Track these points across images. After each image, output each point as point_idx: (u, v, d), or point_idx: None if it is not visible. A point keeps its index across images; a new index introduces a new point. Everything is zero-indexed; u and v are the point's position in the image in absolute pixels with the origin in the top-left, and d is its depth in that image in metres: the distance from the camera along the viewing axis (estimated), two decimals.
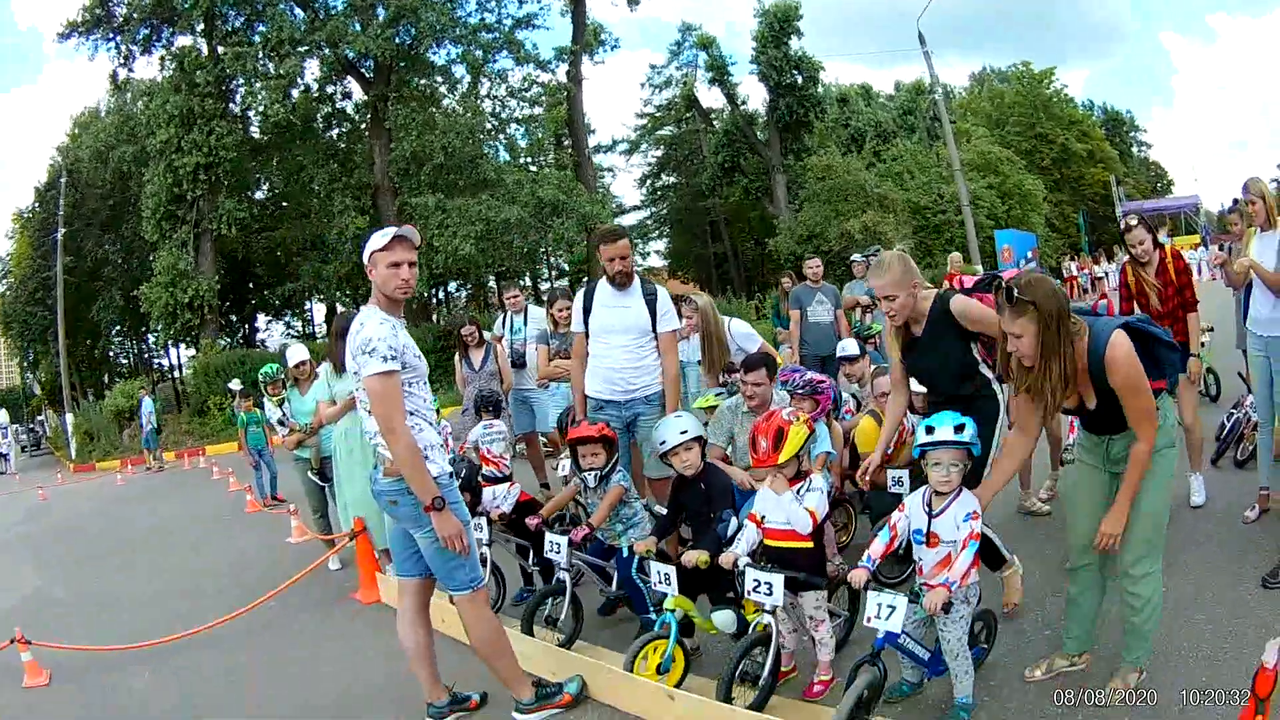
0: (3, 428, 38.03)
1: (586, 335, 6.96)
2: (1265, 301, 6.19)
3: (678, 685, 5.19)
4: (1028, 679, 4.89)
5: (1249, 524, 6.42)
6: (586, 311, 6.93)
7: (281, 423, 9.92)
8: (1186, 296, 6.79)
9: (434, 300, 48.11)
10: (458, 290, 52.22)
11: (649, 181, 56.25)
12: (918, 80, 52.48)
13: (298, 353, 9.75)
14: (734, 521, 5.60)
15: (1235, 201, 7.98)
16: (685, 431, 5.74)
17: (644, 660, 5.38)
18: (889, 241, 30.77)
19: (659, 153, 55.45)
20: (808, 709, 4.66)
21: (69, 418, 35.63)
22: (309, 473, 9.62)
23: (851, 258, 13.14)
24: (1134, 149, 70.92)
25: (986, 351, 5.39)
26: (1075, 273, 38.39)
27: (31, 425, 51.54)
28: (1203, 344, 7.67)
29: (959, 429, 4.48)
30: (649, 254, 56.84)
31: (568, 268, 50.86)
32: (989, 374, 5.39)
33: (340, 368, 7.92)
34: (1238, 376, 8.00)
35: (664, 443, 5.77)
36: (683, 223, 55.14)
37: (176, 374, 48.30)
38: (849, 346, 8.58)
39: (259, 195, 41.87)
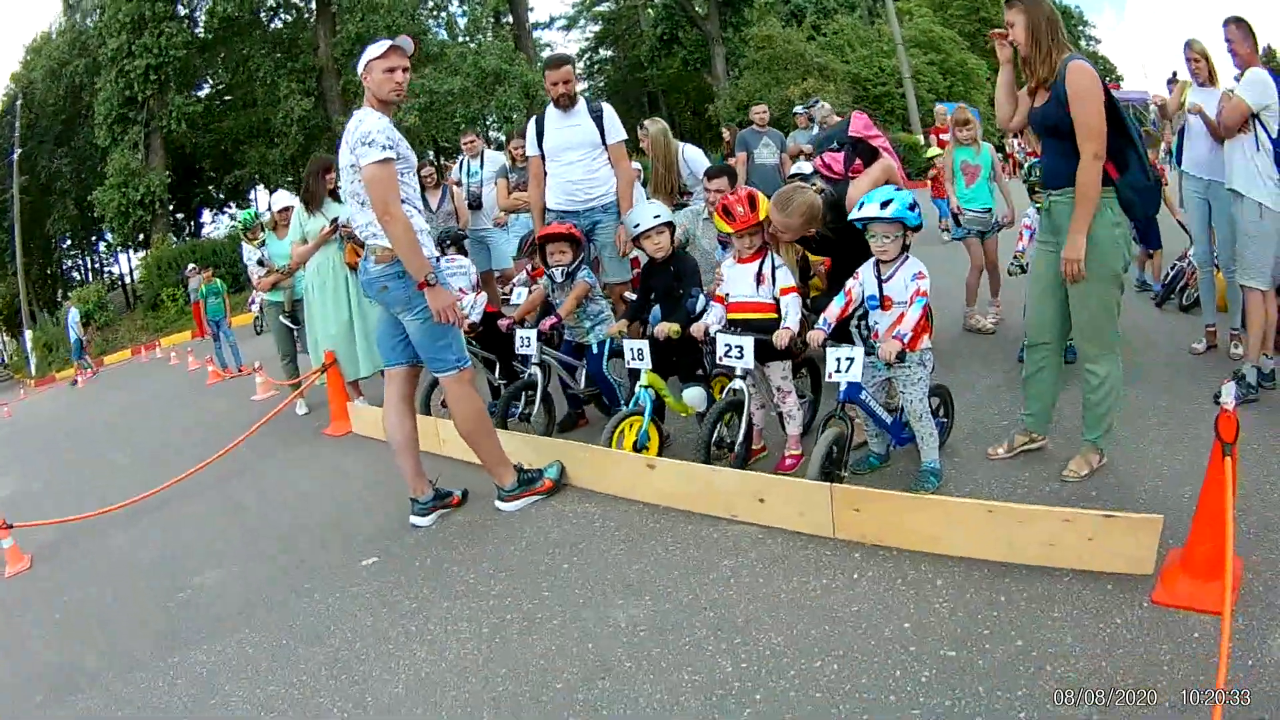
0: None
1: (542, 157, 7.27)
2: (1203, 144, 6.38)
3: None
4: (991, 456, 5.20)
5: (1197, 355, 6.70)
6: (539, 135, 7.25)
7: (261, 263, 10.00)
8: None
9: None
10: None
11: (587, 56, 55.05)
12: None
13: (282, 198, 9.71)
14: (702, 299, 5.83)
15: (1174, 74, 8.26)
16: (658, 216, 5.94)
17: (620, 438, 5.63)
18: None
19: (597, 28, 54.30)
20: (785, 478, 4.88)
21: (28, 334, 35.41)
22: (280, 316, 9.76)
23: (794, 110, 13.17)
24: (1081, 42, 69.98)
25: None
26: (1015, 149, 38.32)
27: None
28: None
29: (885, 205, 4.67)
30: None
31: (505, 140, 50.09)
32: None
33: (313, 206, 8.14)
34: (1179, 225, 8.24)
35: (638, 225, 5.96)
36: (620, 94, 54.10)
37: (128, 279, 47.62)
38: (801, 167, 8.70)
39: (206, 91, 41.57)
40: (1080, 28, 69.31)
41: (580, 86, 45.31)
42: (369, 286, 5.22)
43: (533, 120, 7.34)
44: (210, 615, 4.95)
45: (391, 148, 4.81)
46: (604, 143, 7.16)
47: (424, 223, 5.15)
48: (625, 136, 7.31)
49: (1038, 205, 6.02)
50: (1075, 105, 4.30)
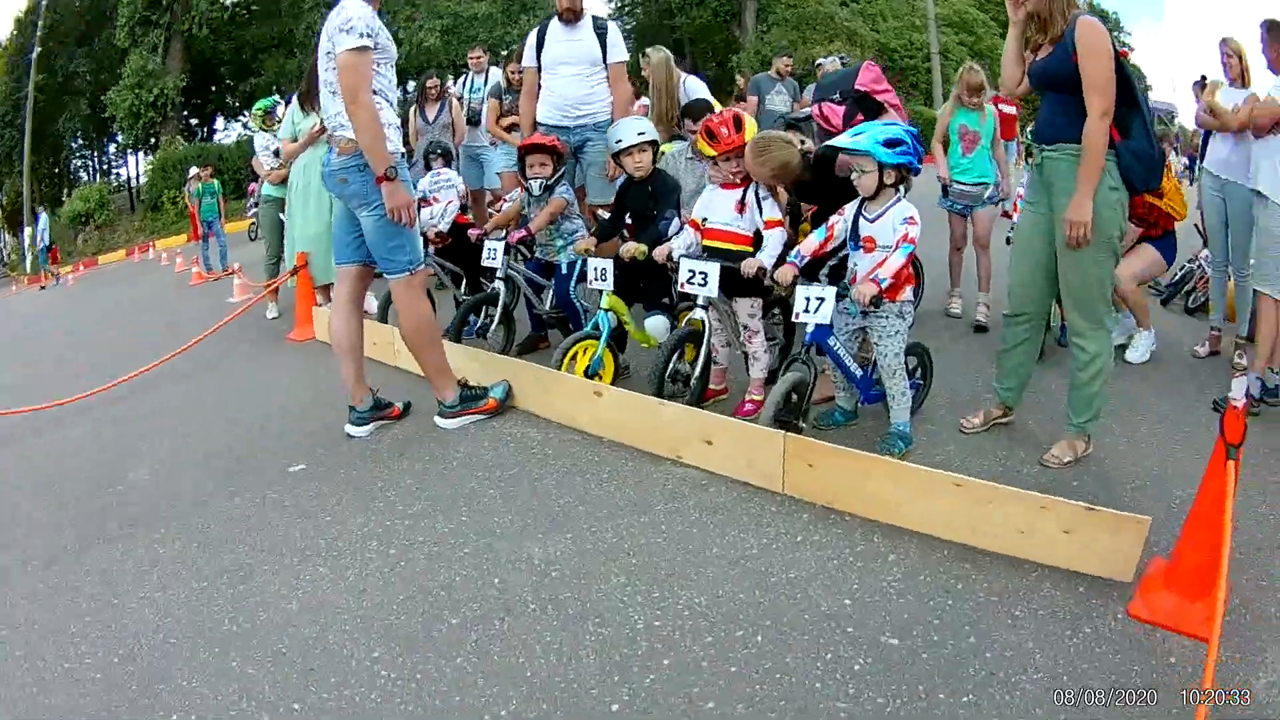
0: None
1: (539, 70, 6.98)
2: (1224, 144, 6.19)
3: None
4: (964, 427, 4.89)
5: (1200, 359, 6.40)
6: (539, 47, 6.95)
7: (276, 154, 9.58)
8: None
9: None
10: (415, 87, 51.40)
11: None
12: None
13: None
14: (676, 222, 5.50)
15: (1203, 77, 7.93)
16: (643, 133, 5.60)
17: (573, 361, 5.36)
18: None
19: None
20: (736, 421, 4.57)
21: (26, 231, 35.50)
22: (280, 213, 9.41)
23: (818, 60, 12.83)
24: (1115, 46, 69.82)
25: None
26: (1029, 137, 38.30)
27: None
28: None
29: (855, 137, 4.35)
30: None
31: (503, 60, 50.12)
32: None
33: (307, 104, 7.88)
34: (1195, 228, 7.88)
35: (620, 141, 5.62)
36: (647, 38, 53.97)
37: (135, 183, 47.73)
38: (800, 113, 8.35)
39: None
40: (1115, 33, 68.77)
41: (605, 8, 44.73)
42: (329, 179, 5.03)
43: (534, 31, 7.04)
44: (135, 512, 4.77)
45: (370, 36, 4.62)
46: (604, 61, 6.85)
47: (393, 116, 4.92)
48: (627, 57, 7.02)
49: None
50: (1085, 59, 4.03)
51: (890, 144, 4.30)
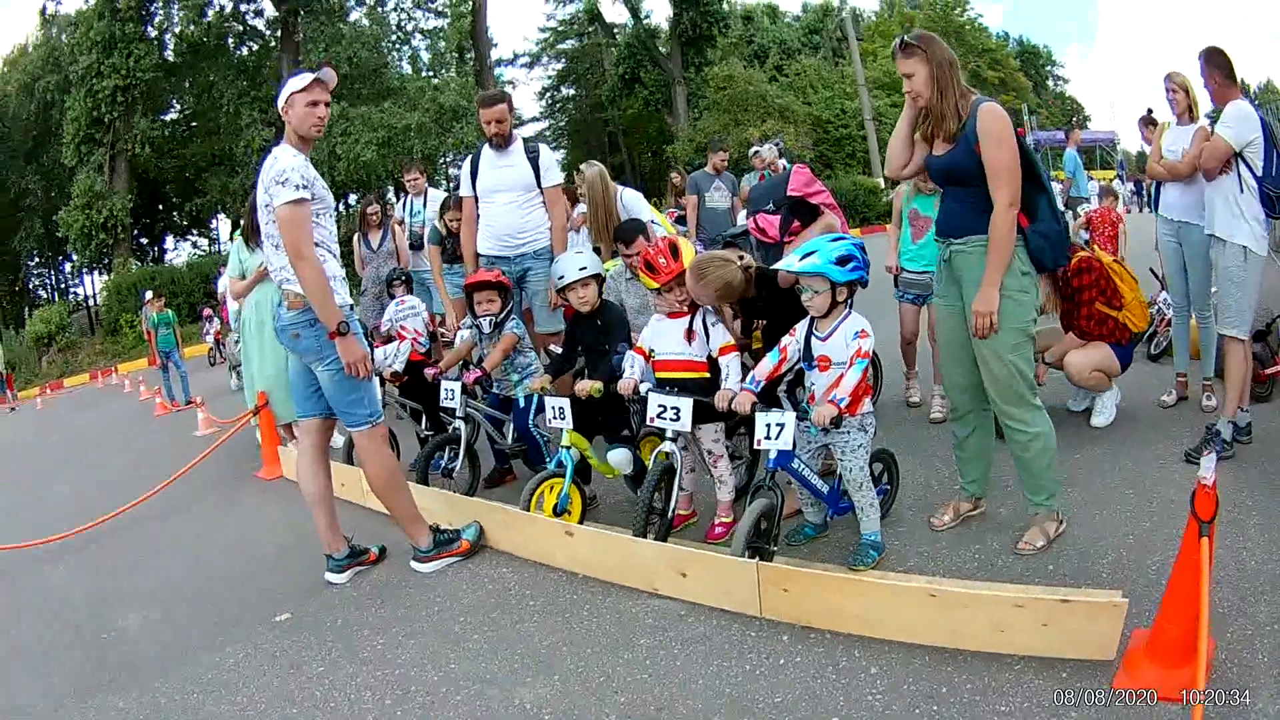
0: None
1: (476, 199, 7.02)
2: (1174, 189, 6.24)
3: None
4: (935, 526, 4.89)
5: (1167, 409, 6.47)
6: (473, 175, 7.01)
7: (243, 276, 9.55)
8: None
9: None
10: (357, 203, 51.79)
11: (549, 94, 55.81)
12: (825, 0, 52.30)
13: None
14: (630, 354, 5.47)
15: (1149, 111, 8.06)
16: (584, 268, 5.61)
17: (540, 500, 5.35)
18: (788, 149, 30.74)
19: (560, 65, 54.93)
20: (709, 550, 4.62)
21: None
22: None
23: (750, 150, 12.98)
24: (1049, 82, 70.71)
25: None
26: None
27: None
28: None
29: (805, 255, 4.36)
30: None
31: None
32: None
33: (252, 240, 7.83)
34: (1150, 273, 7.98)
35: (562, 277, 5.64)
36: (580, 134, 54.57)
37: (92, 302, 47.64)
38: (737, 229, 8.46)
39: (171, 116, 42.35)
40: (1049, 67, 69.98)
41: (541, 125, 45.96)
42: (281, 334, 5.04)
43: (469, 159, 7.12)
44: (130, 662, 4.77)
45: (306, 187, 4.64)
46: (539, 185, 6.90)
47: (338, 269, 4.95)
48: (561, 180, 7.13)
49: None
50: (988, 148, 4.08)
51: (841, 261, 4.32)
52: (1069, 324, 6.43)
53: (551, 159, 7.02)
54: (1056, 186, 12.01)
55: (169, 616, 5.36)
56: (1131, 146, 54.28)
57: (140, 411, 16.13)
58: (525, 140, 7.04)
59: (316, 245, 4.69)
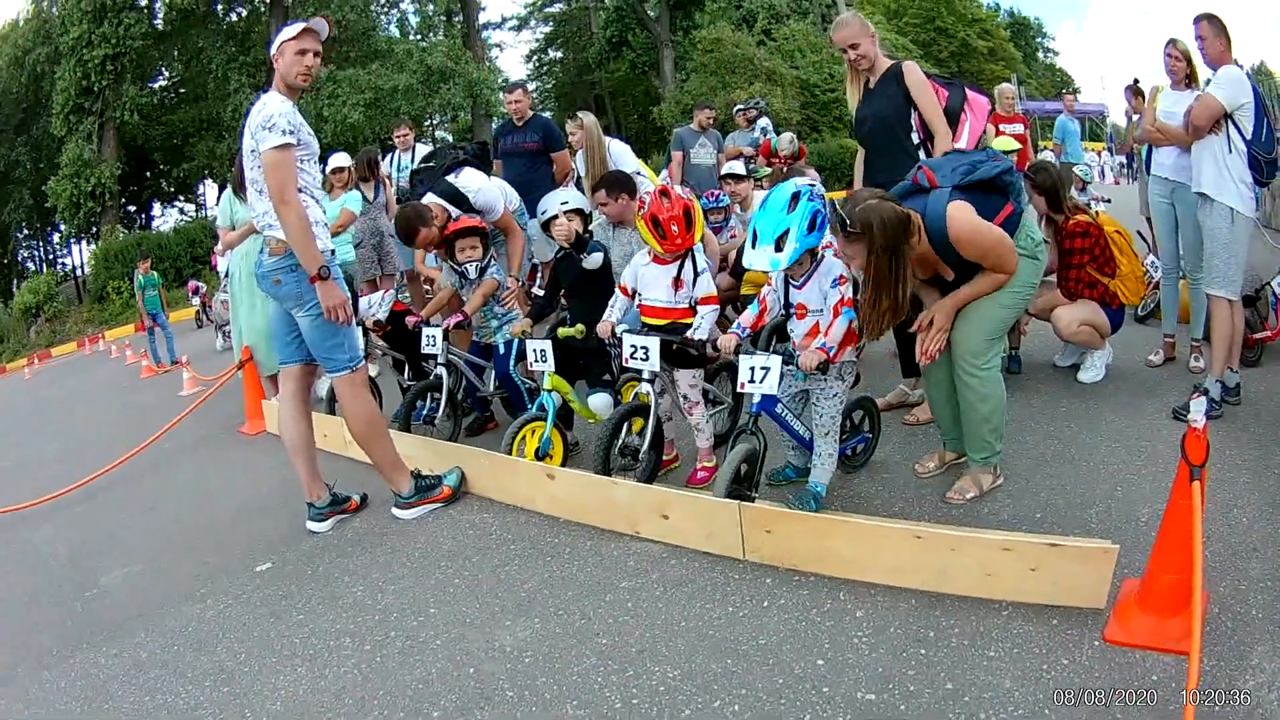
0: None
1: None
2: (1170, 151, 6.18)
3: None
4: (919, 472, 4.87)
5: (1154, 368, 6.45)
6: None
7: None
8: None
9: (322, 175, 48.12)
10: None
11: (536, 57, 55.48)
12: None
13: (339, 159, 9.42)
14: (615, 294, 5.46)
15: (1135, 80, 8.02)
16: (565, 202, 5.69)
17: (522, 443, 5.34)
18: (775, 111, 30.52)
19: (548, 28, 54.59)
20: (691, 492, 4.53)
21: None
22: None
23: (734, 108, 12.85)
24: (1039, 54, 70.33)
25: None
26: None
27: None
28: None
29: (777, 245, 4.20)
30: None
31: (452, 138, 50.09)
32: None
33: (241, 192, 7.75)
34: (1137, 236, 7.93)
35: (544, 211, 5.71)
36: (568, 96, 54.13)
37: (80, 272, 47.55)
38: (735, 166, 8.40)
39: (160, 83, 41.89)
40: (1039, 39, 69.67)
41: (529, 86, 45.87)
42: (262, 280, 5.01)
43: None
44: (113, 616, 4.79)
45: (293, 133, 4.64)
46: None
47: (320, 214, 4.93)
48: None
49: None
50: (984, 261, 4.18)
51: (810, 226, 4.20)
52: (1058, 280, 6.45)
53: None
54: (1049, 155, 12.00)
55: (152, 570, 5.37)
56: (1121, 120, 54.08)
57: (128, 375, 16.08)
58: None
59: (300, 191, 4.68)
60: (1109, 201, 9.52)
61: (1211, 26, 5.48)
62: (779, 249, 4.18)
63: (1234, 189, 5.38)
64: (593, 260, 5.57)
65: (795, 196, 4.23)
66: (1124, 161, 29.67)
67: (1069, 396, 5.94)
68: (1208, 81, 5.66)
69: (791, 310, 4.49)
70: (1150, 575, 3.23)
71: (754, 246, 4.28)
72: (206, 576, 5.08)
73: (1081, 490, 4.49)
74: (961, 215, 4.01)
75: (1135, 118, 8.52)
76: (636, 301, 5.11)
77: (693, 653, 3.48)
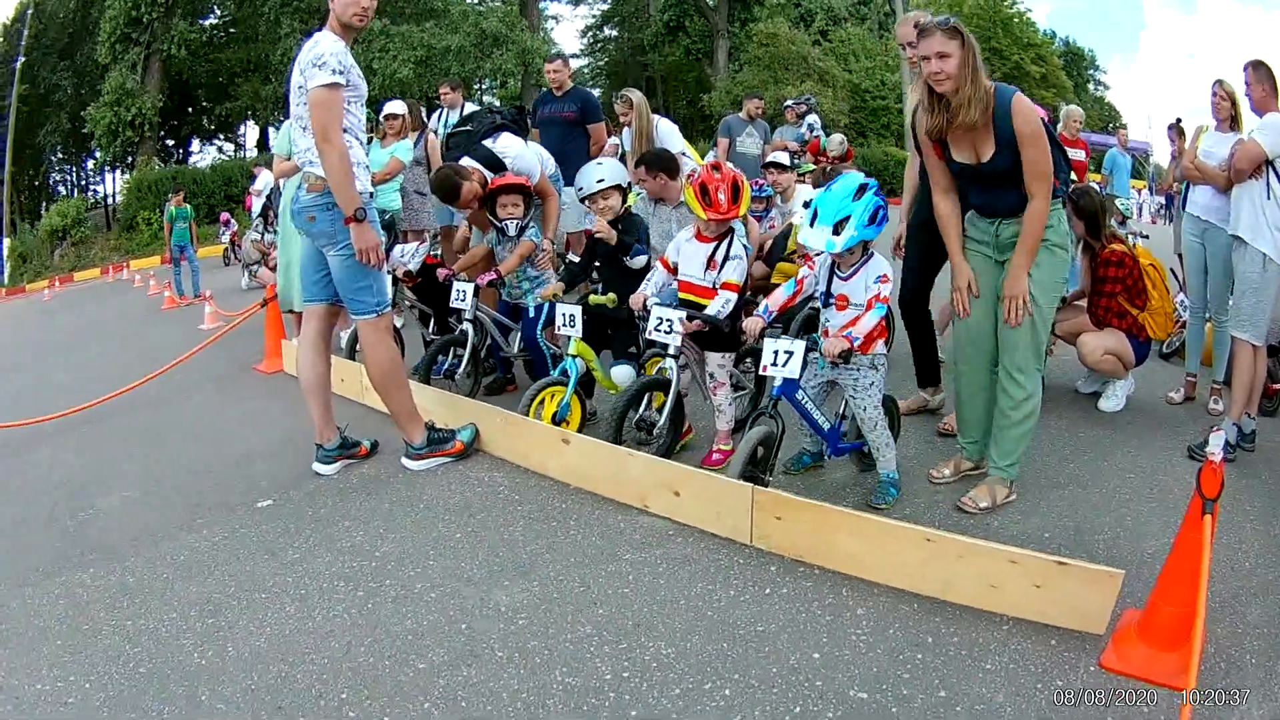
0: None
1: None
2: (1206, 190, 6.14)
3: None
4: (934, 479, 4.83)
5: (1173, 405, 6.39)
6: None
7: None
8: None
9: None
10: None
11: (591, 33, 55.20)
12: None
13: (395, 106, 9.43)
14: (642, 259, 5.54)
15: (1178, 119, 7.96)
16: (602, 180, 5.61)
17: (540, 406, 5.33)
18: (824, 112, 30.46)
19: (605, 5, 54.28)
20: (704, 473, 4.50)
21: (6, 242, 35.65)
22: None
23: (784, 103, 12.82)
24: (1090, 86, 69.75)
25: None
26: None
27: None
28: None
29: (837, 229, 4.25)
30: None
31: (499, 104, 50.08)
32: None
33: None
34: (1170, 273, 7.89)
35: (581, 189, 5.67)
36: (619, 75, 54.00)
37: (111, 200, 47.59)
38: (779, 156, 8.35)
39: (210, 20, 41.49)
40: (1091, 70, 69.00)
41: (581, 63, 46.12)
42: (297, 216, 5.00)
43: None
44: (103, 539, 4.77)
45: (342, 73, 4.61)
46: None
47: (362, 155, 4.90)
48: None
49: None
50: (1029, 151, 4.10)
51: (872, 219, 4.26)
52: (1089, 306, 6.40)
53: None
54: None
55: (149, 498, 5.35)
56: (1164, 160, 53.65)
57: (149, 306, 16.11)
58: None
59: (344, 132, 4.66)
60: (1147, 238, 9.45)
61: (1257, 73, 5.50)
62: (836, 232, 4.21)
63: (1269, 235, 5.36)
64: (637, 262, 5.53)
65: (863, 187, 4.28)
66: (1163, 202, 29.46)
67: (1088, 423, 5.90)
68: (1253, 129, 5.64)
69: (832, 300, 4.47)
70: (1152, 606, 3.21)
71: (811, 225, 4.29)
72: (204, 508, 5.06)
73: (1090, 516, 4.46)
74: (1030, 108, 4.08)
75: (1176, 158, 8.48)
76: (676, 278, 5.10)
77: (689, 632, 3.46)
